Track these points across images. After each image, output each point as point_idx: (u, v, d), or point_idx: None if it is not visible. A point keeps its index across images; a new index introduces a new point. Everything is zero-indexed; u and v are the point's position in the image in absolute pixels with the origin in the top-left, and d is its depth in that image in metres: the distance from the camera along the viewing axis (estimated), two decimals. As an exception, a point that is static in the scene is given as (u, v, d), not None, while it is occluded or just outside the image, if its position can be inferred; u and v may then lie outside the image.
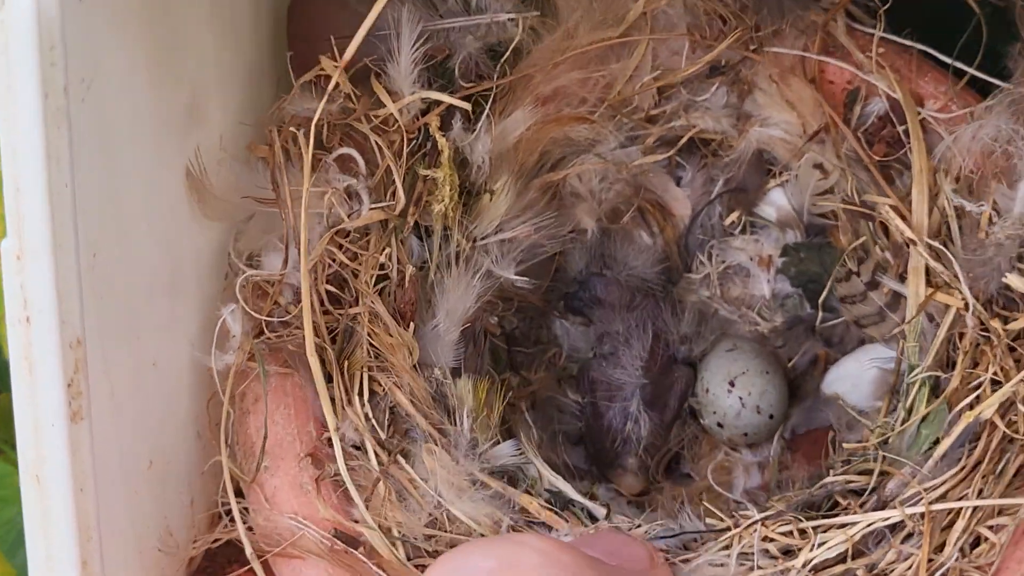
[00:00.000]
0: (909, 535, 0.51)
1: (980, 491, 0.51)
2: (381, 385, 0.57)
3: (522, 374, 0.68)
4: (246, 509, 0.55)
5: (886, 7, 0.61)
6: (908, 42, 0.62)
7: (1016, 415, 0.52)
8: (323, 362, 0.56)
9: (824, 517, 0.53)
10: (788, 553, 0.53)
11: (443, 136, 0.60)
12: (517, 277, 0.63)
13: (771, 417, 0.64)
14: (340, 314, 0.58)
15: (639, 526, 0.56)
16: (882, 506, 0.52)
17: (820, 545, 0.52)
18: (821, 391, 0.65)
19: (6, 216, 0.45)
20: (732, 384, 0.64)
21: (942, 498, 0.52)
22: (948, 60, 0.61)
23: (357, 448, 0.56)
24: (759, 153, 0.66)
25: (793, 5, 0.63)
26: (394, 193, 0.59)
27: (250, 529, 0.55)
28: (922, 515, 0.51)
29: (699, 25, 0.63)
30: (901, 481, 0.52)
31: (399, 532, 0.53)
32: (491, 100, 0.62)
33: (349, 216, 0.59)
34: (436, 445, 0.55)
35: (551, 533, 0.54)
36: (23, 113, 0.44)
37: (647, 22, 0.63)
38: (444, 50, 0.62)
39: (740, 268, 0.69)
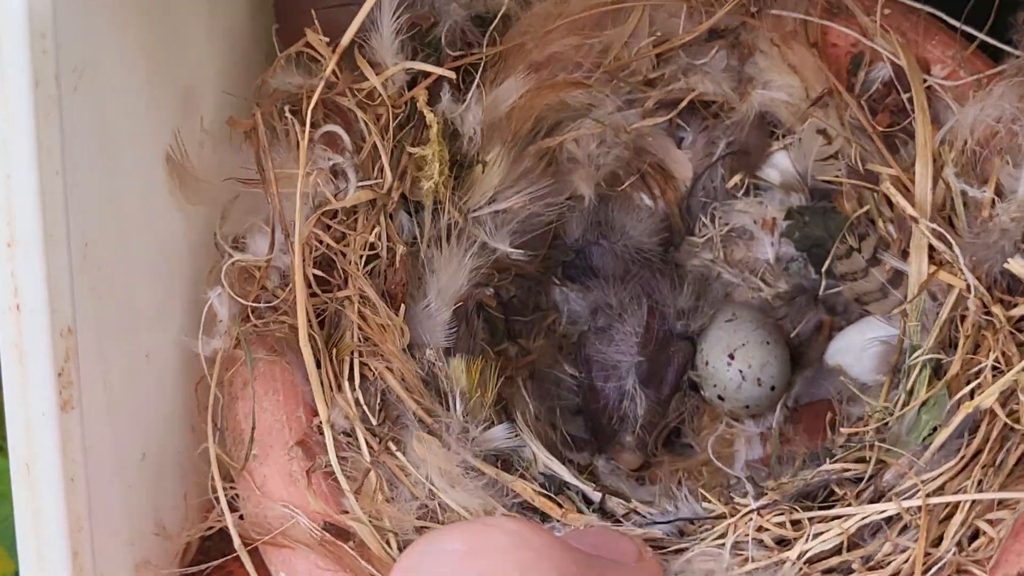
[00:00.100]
0: (906, 527, 0.50)
1: (979, 483, 0.50)
2: (372, 370, 0.56)
3: (520, 343, 0.67)
4: (236, 496, 0.55)
5: (893, -34, 0.59)
6: (916, 4, 0.59)
7: (1017, 404, 0.51)
8: (312, 347, 0.55)
9: (820, 507, 0.52)
10: (783, 543, 0.52)
11: (431, 111, 0.58)
12: (512, 250, 0.62)
13: (772, 389, 0.63)
14: (328, 298, 0.57)
15: (634, 510, 0.55)
16: (879, 497, 0.51)
17: (815, 536, 0.51)
18: (824, 361, 0.64)
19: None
20: (732, 357, 0.63)
21: (940, 490, 0.51)
22: (957, 24, 0.58)
23: (347, 435, 0.55)
24: (762, 116, 0.64)
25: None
26: (382, 170, 0.58)
27: (241, 517, 0.54)
28: (919, 508, 0.50)
29: (696, -13, 0.61)
30: (898, 472, 0.51)
31: (390, 524, 0.53)
32: (481, 69, 0.60)
33: (336, 196, 0.57)
34: (428, 432, 0.55)
35: (544, 525, 0.54)
36: (14, 102, 0.44)
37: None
38: (428, 18, 0.60)
39: (743, 231, 0.67)
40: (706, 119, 0.65)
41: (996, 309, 0.52)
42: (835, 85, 0.60)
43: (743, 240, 0.67)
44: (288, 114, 0.58)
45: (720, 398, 0.64)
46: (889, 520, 0.51)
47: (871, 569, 0.50)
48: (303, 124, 0.57)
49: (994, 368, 0.52)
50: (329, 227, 0.57)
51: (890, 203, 0.59)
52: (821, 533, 0.51)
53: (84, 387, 0.48)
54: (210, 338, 0.57)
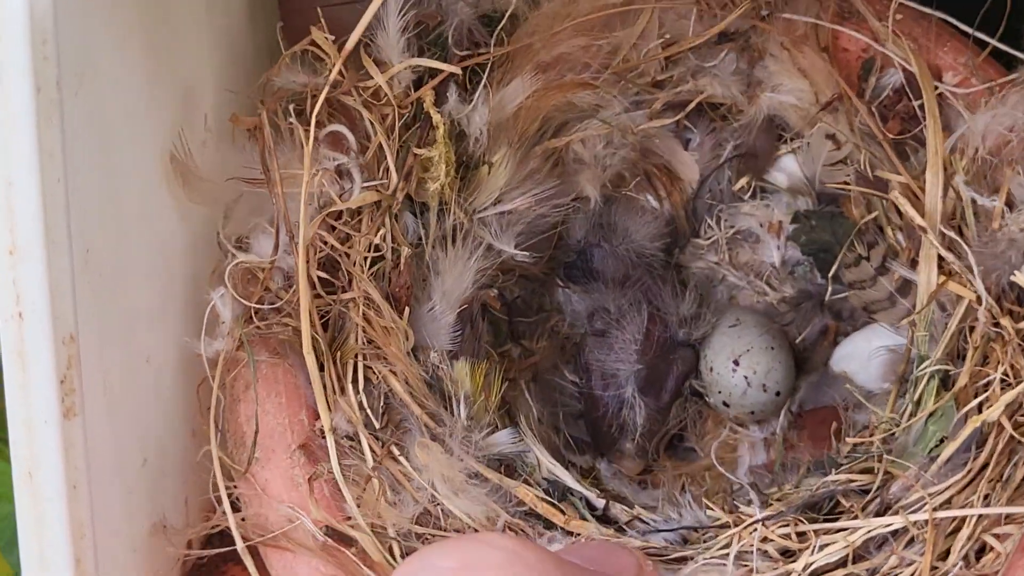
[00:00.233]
0: (912, 540, 0.50)
1: (986, 497, 0.50)
2: (375, 373, 0.55)
3: (523, 344, 0.66)
4: (238, 498, 0.54)
5: (905, -29, 0.58)
6: (927, 9, 0.58)
7: (1024, 417, 0.51)
8: (315, 351, 0.55)
9: (826, 519, 0.52)
10: (787, 554, 0.51)
11: (438, 112, 0.58)
12: (517, 252, 0.61)
13: (778, 394, 0.63)
14: (332, 299, 0.56)
15: (638, 517, 0.55)
16: (885, 510, 0.51)
17: (821, 548, 0.50)
18: (830, 367, 0.63)
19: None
20: (737, 363, 0.62)
21: (947, 504, 0.50)
22: (969, 30, 0.58)
23: (350, 439, 0.54)
24: (770, 119, 0.64)
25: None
26: (387, 171, 0.57)
27: (243, 520, 0.54)
28: (926, 522, 0.49)
29: (706, -10, 0.60)
30: (905, 484, 0.51)
31: (394, 531, 0.52)
32: (488, 69, 0.59)
33: (341, 196, 0.57)
34: (431, 437, 0.54)
35: (547, 533, 0.53)
36: (16, 107, 0.44)
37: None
38: (435, 17, 0.59)
39: (749, 233, 0.67)
40: (714, 121, 0.65)
41: (1005, 321, 0.52)
42: (845, 90, 0.59)
43: (749, 243, 0.67)
44: (293, 113, 0.57)
45: (725, 404, 0.63)
46: (895, 533, 0.50)
47: (877, 582, 0.50)
48: (308, 124, 0.56)
49: (1002, 381, 0.52)
50: (334, 228, 0.57)
51: (899, 211, 0.58)
52: (827, 545, 0.51)
53: (86, 393, 0.48)
54: (212, 339, 0.56)
